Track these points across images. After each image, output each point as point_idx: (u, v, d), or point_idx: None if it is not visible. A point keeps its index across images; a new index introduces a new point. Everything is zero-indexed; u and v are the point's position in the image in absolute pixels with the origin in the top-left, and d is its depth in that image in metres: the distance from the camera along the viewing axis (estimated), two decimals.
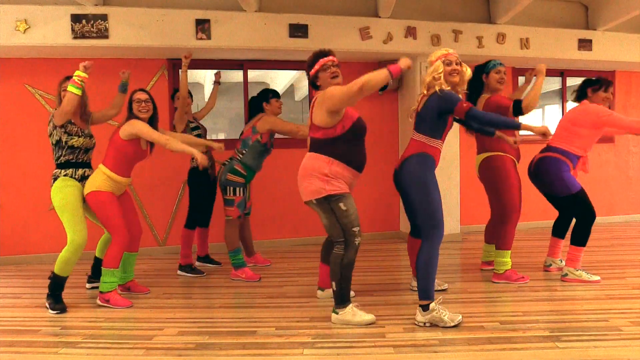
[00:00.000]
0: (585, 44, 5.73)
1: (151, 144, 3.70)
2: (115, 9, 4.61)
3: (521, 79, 4.61)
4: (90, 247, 3.82)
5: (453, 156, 5.50)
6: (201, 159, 3.42)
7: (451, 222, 5.35)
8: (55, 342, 2.83)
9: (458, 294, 3.63)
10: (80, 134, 3.53)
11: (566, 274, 3.87)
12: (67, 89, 3.29)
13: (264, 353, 2.64)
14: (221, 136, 8.34)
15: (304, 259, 4.96)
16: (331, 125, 2.98)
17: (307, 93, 5.91)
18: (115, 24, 4.59)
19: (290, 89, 8.34)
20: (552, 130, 3.27)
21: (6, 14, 4.42)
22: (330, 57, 3.06)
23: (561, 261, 4.17)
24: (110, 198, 3.46)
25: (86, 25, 4.53)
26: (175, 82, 5.33)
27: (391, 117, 5.87)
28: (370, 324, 2.99)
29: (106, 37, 4.58)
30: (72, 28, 4.52)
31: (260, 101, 4.27)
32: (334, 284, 3.03)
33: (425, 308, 2.96)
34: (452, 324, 2.90)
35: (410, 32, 5.23)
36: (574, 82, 7.45)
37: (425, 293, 2.97)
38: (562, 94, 6.57)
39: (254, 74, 5.69)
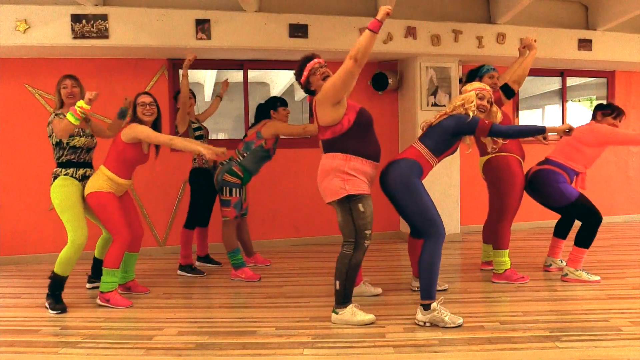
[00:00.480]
0: (585, 44, 5.73)
1: (156, 147, 3.70)
2: (115, 9, 4.60)
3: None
4: (90, 247, 3.82)
5: (453, 156, 5.48)
6: (208, 153, 3.40)
7: (451, 222, 5.35)
8: (55, 342, 2.83)
9: (458, 294, 3.63)
10: (81, 134, 3.53)
11: (566, 274, 3.87)
12: (66, 116, 3.24)
13: (264, 353, 2.64)
14: (221, 136, 8.34)
15: (304, 259, 4.96)
16: (337, 120, 2.97)
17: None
18: (115, 24, 4.59)
19: (290, 89, 8.34)
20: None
21: (6, 14, 4.42)
22: (316, 60, 3.05)
23: (561, 261, 4.18)
24: (111, 199, 3.46)
25: (86, 25, 4.53)
26: (175, 82, 5.33)
27: (391, 116, 5.87)
28: (370, 324, 2.99)
29: (106, 37, 4.57)
30: (72, 28, 4.52)
31: (268, 109, 4.28)
32: (337, 283, 3.03)
33: (426, 307, 2.96)
34: (453, 325, 2.90)
35: (410, 32, 5.23)
36: (574, 82, 7.48)
37: (427, 292, 2.97)
38: (562, 94, 6.57)
39: (254, 74, 5.70)
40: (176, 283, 4.16)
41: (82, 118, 3.25)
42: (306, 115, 5.98)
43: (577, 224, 3.93)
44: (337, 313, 3.04)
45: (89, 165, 3.60)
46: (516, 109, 6.33)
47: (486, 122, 3.08)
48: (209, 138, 4.71)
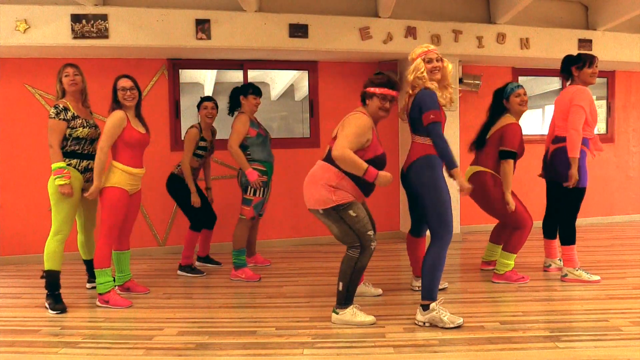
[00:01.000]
0: (585, 44, 5.73)
1: (145, 126, 3.67)
2: (115, 9, 4.60)
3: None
4: (75, 249, 3.88)
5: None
6: (94, 193, 3.40)
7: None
8: (55, 342, 2.83)
9: (458, 294, 3.63)
10: (85, 125, 3.51)
11: (566, 274, 3.87)
12: (52, 158, 3.37)
13: (264, 353, 2.64)
14: (221, 136, 8.32)
15: (304, 259, 4.96)
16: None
17: (307, 93, 5.91)
18: (115, 24, 4.59)
19: (290, 89, 8.34)
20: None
21: (6, 14, 4.42)
22: (394, 92, 3.03)
23: (560, 261, 4.18)
24: (123, 197, 3.46)
25: (86, 25, 4.53)
26: (175, 83, 5.34)
27: (391, 117, 5.84)
28: (370, 325, 2.99)
29: (106, 37, 4.57)
30: (72, 28, 4.52)
31: (239, 94, 4.26)
32: (340, 284, 3.02)
33: (425, 307, 2.96)
34: (452, 326, 2.89)
35: (410, 32, 5.23)
36: None
37: (429, 293, 2.97)
38: None
39: (254, 74, 5.69)
40: (176, 283, 4.16)
41: (62, 179, 3.34)
42: (306, 115, 5.98)
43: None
44: (337, 313, 3.04)
45: (92, 157, 3.58)
46: None
47: (431, 115, 2.96)
48: (212, 152, 4.60)
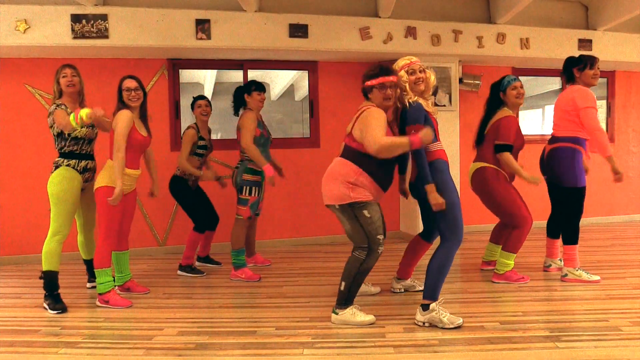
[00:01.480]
0: (585, 44, 5.73)
1: (147, 128, 3.66)
2: (115, 9, 4.60)
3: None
4: (75, 249, 3.89)
5: (453, 156, 5.50)
6: (117, 192, 3.31)
7: None
8: (55, 342, 2.83)
9: (458, 294, 3.63)
10: (82, 125, 3.51)
11: (566, 274, 3.87)
12: (70, 119, 3.20)
13: (264, 353, 2.64)
14: (220, 136, 8.33)
15: (304, 259, 4.96)
16: None
17: (307, 93, 5.91)
18: (115, 24, 4.59)
19: (290, 89, 8.34)
20: None
21: (6, 14, 4.42)
22: (391, 78, 2.98)
23: (560, 261, 4.17)
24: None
25: (86, 25, 4.53)
26: (175, 83, 5.34)
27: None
28: (369, 325, 2.99)
29: (106, 37, 4.57)
30: (72, 28, 4.52)
31: (243, 92, 4.25)
32: (343, 284, 3.02)
33: (425, 307, 2.96)
34: (451, 326, 2.89)
35: (410, 32, 5.23)
36: None
37: (431, 293, 2.97)
38: None
39: (254, 74, 5.68)
40: (176, 283, 4.16)
41: (80, 125, 3.22)
42: (306, 115, 5.98)
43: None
44: (336, 313, 3.04)
45: (90, 157, 3.59)
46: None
47: (412, 135, 2.86)
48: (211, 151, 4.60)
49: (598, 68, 3.81)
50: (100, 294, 3.48)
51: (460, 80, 5.61)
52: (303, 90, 7.72)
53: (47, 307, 3.39)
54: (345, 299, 3.03)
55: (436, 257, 3.01)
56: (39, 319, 3.25)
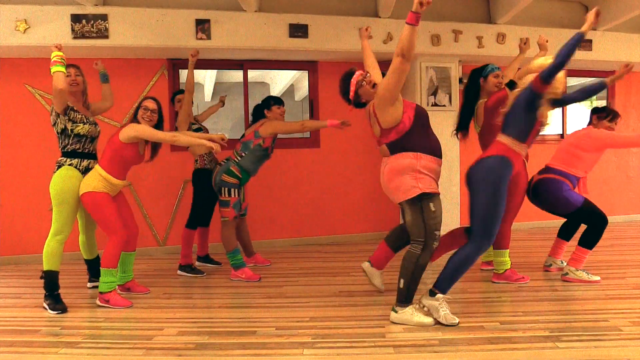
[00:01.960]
0: (585, 44, 5.73)
1: (152, 150, 3.69)
2: (115, 9, 4.60)
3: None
4: (76, 249, 3.88)
5: (453, 156, 5.51)
6: (210, 144, 3.43)
7: (451, 222, 5.36)
8: (55, 342, 2.83)
9: (458, 294, 3.62)
10: (85, 121, 3.52)
11: (567, 273, 3.87)
12: (51, 71, 3.31)
13: (264, 353, 2.64)
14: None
15: (304, 259, 4.96)
16: (399, 119, 2.96)
17: (307, 93, 5.91)
18: (115, 24, 4.59)
19: (290, 89, 8.36)
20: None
21: (6, 14, 4.42)
22: (359, 72, 3.08)
23: (562, 262, 4.18)
24: (105, 198, 3.44)
25: (86, 25, 4.53)
26: (175, 83, 5.33)
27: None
28: (429, 326, 2.95)
29: (106, 37, 4.57)
30: (72, 28, 4.52)
31: (262, 108, 4.30)
32: (402, 281, 3.00)
33: (432, 294, 3.00)
34: (445, 323, 2.91)
35: None
36: (574, 82, 7.48)
37: (445, 284, 3.00)
38: None
39: (254, 74, 5.70)
40: (176, 283, 4.16)
41: (64, 63, 3.34)
42: (306, 115, 5.98)
43: (583, 225, 3.93)
44: (396, 312, 3.02)
45: (93, 156, 3.59)
46: None
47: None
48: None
49: (616, 123, 4.06)
50: (101, 292, 3.48)
51: (460, 80, 5.61)
52: (303, 90, 7.73)
53: (47, 307, 3.39)
54: (405, 297, 3.00)
55: (461, 253, 3.02)
56: (39, 319, 3.25)
